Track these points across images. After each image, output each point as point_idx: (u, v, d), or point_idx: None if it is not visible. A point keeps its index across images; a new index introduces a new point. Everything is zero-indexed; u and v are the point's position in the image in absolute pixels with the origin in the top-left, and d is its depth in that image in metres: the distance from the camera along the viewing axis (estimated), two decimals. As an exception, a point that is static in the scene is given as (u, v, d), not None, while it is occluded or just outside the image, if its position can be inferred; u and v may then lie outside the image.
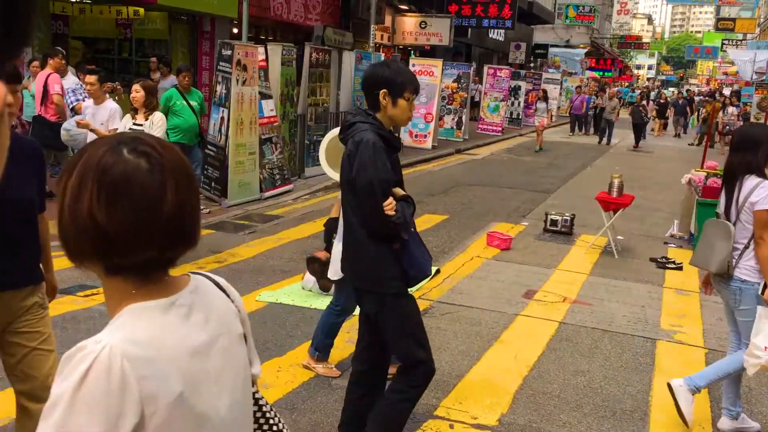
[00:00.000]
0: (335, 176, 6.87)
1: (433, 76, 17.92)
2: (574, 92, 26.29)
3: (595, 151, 20.67)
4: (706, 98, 30.28)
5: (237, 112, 9.48)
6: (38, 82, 8.91)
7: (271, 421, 1.43)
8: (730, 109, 22.66)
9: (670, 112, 29.17)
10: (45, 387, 2.84)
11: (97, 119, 6.86)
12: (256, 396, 1.39)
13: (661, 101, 29.25)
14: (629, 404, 4.48)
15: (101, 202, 1.11)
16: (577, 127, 25.16)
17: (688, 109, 28.15)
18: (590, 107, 25.51)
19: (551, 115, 20.04)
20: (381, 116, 3.24)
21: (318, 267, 5.94)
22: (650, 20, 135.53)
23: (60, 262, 6.51)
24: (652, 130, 27.70)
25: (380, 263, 3.24)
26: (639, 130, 22.31)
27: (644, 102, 29.65)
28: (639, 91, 44.54)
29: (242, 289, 6.22)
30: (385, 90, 3.20)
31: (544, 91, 21.59)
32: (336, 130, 7.02)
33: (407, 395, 3.38)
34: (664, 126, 28.32)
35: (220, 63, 9.66)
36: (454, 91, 20.09)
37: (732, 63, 45.78)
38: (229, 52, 9.44)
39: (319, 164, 7.11)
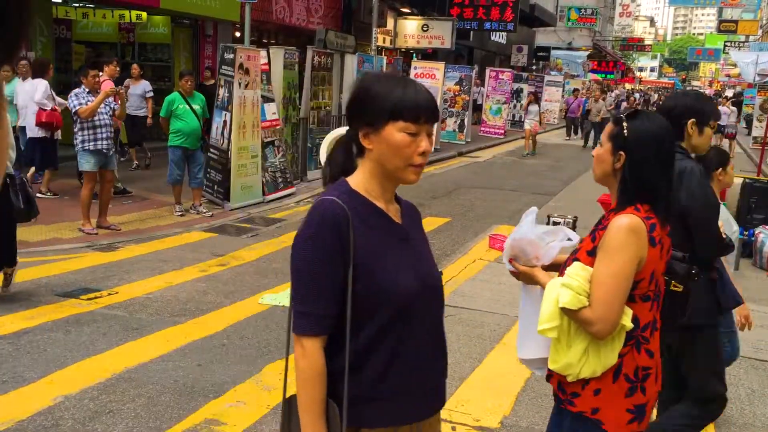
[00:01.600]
0: None
1: (435, 78, 17.94)
2: (571, 95, 25.48)
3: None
4: None
5: (239, 115, 9.50)
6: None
7: None
8: (723, 108, 22.45)
9: None
10: None
11: None
12: None
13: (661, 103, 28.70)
14: (631, 406, 4.48)
15: None
16: (572, 131, 24.55)
17: None
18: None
19: (541, 119, 19.61)
20: (685, 145, 3.28)
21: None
22: (652, 22, 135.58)
23: (62, 266, 6.54)
24: None
25: (701, 294, 3.17)
26: None
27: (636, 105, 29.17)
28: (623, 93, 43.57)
29: (245, 291, 6.24)
30: (693, 119, 3.23)
31: (535, 95, 21.14)
32: (337, 131, 7.05)
33: (695, 424, 3.42)
34: None
35: (223, 66, 9.69)
36: (456, 93, 20.12)
37: (734, 65, 45.77)
38: (231, 56, 9.47)
39: (322, 167, 7.15)
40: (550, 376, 2.39)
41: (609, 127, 2.37)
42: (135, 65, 12.24)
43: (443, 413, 4.23)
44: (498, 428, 4.08)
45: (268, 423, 3.96)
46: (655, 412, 4.02)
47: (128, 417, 3.91)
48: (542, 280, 2.35)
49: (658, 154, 2.29)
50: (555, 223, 9.13)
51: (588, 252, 2.29)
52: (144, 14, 14.02)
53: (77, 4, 13.80)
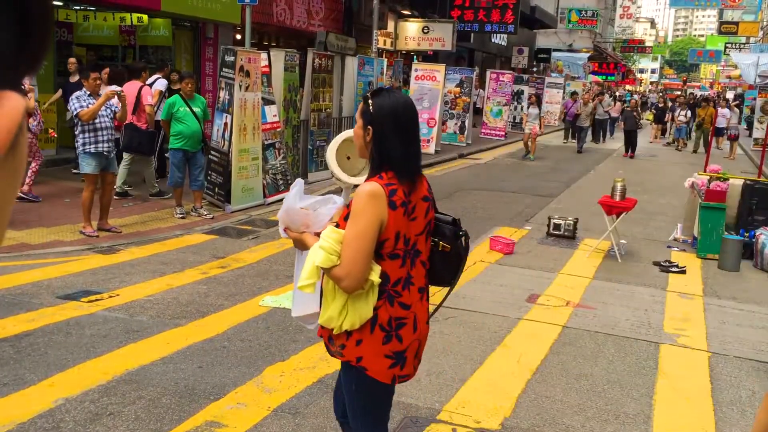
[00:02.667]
0: (347, 179, 6.83)
1: (435, 80, 17.96)
2: (569, 98, 24.33)
3: (598, 155, 20.66)
4: (682, 100, 28.03)
5: (240, 117, 9.51)
6: (131, 93, 9.76)
7: None
8: (724, 111, 22.13)
9: (668, 117, 27.51)
10: None
11: None
12: None
13: (660, 105, 27.65)
14: (632, 408, 4.48)
15: None
16: (571, 134, 23.62)
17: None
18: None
19: (543, 123, 19.07)
20: None
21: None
22: (653, 24, 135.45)
23: (63, 268, 6.54)
24: (655, 137, 26.70)
25: None
26: (632, 137, 20.42)
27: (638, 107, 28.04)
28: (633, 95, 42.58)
29: (245, 293, 6.24)
30: None
31: (536, 97, 20.45)
32: (345, 134, 6.98)
33: None
34: (663, 132, 26.66)
35: (224, 69, 9.70)
36: (457, 95, 20.12)
37: (735, 66, 45.72)
38: (232, 58, 9.48)
39: (323, 169, 7.14)
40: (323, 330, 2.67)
41: (361, 105, 2.64)
42: (72, 59, 11.13)
43: (443, 415, 4.25)
44: (499, 430, 4.07)
45: (269, 425, 3.96)
46: None
47: (129, 419, 3.91)
48: (310, 243, 2.59)
49: (396, 125, 2.55)
50: (556, 226, 9.14)
51: (344, 218, 2.55)
52: (145, 17, 14.02)
53: (78, 7, 13.81)
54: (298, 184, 2.74)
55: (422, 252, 2.62)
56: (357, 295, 2.48)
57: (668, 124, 26.02)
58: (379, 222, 2.45)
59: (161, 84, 10.47)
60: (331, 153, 6.76)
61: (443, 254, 2.73)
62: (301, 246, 2.69)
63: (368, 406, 2.67)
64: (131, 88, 9.71)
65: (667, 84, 74.14)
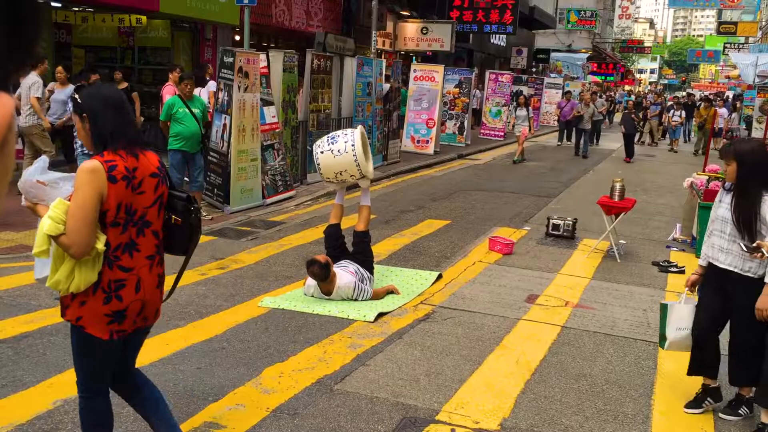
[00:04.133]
0: (371, 174, 6.82)
1: (434, 81, 17.97)
2: (563, 98, 23.64)
3: (596, 155, 20.65)
4: (678, 101, 27.15)
5: (239, 118, 9.51)
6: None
7: None
8: (722, 110, 21.90)
9: (666, 118, 25.38)
10: None
11: None
12: None
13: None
14: (631, 408, 4.48)
15: None
16: (566, 137, 23.04)
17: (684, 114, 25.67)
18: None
19: (532, 124, 18.45)
20: None
21: (317, 269, 5.97)
22: (652, 24, 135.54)
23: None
24: (649, 143, 25.21)
25: None
26: (631, 140, 19.53)
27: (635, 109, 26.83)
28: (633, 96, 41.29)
29: (244, 294, 6.24)
30: None
31: (525, 97, 19.24)
32: (357, 134, 6.91)
33: None
34: (662, 134, 25.71)
35: (222, 70, 9.70)
36: (456, 96, 20.12)
37: (734, 66, 45.73)
38: (230, 59, 9.48)
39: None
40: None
41: (71, 107, 3.05)
42: (60, 67, 10.25)
43: (442, 415, 4.24)
44: (497, 430, 4.07)
45: (267, 426, 3.96)
46: None
47: (127, 420, 3.91)
48: (42, 214, 2.84)
49: (105, 104, 2.86)
50: (555, 226, 9.14)
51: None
52: (144, 18, 14.03)
53: (77, 9, 13.81)
54: (42, 160, 3.00)
55: (153, 223, 2.98)
56: (84, 260, 2.76)
57: (644, 123, 24.71)
58: (98, 195, 2.74)
59: (213, 85, 10.43)
60: (359, 152, 6.70)
61: (176, 227, 3.10)
62: (36, 215, 2.93)
63: (86, 362, 2.97)
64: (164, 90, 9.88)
65: (696, 86, 70.21)
